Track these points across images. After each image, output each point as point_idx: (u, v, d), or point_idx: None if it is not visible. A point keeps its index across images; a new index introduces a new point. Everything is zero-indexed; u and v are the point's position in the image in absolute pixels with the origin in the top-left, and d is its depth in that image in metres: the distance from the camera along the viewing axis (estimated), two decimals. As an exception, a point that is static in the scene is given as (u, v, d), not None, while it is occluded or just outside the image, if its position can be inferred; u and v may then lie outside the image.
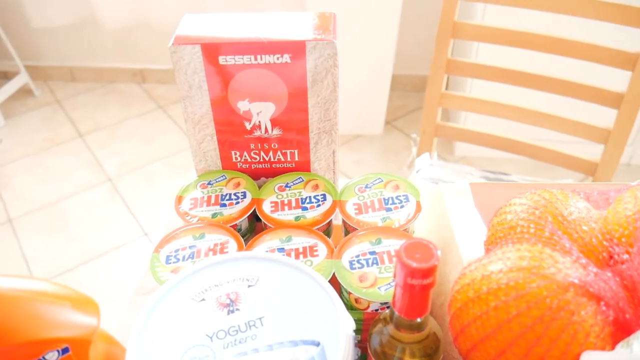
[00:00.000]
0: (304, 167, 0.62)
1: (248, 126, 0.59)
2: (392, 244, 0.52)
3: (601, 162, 1.15)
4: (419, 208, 0.57)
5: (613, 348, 0.36)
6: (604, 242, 0.42)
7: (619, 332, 0.37)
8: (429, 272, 0.37)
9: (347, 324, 0.41)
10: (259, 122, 0.58)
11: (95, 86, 2.45)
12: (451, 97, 1.24)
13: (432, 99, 1.25)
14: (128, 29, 2.23)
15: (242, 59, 0.54)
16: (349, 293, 0.50)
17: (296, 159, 0.61)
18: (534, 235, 0.42)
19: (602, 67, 1.06)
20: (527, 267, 0.37)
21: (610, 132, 1.11)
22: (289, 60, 0.54)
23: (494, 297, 0.37)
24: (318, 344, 0.39)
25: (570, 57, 1.08)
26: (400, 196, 0.58)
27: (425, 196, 0.60)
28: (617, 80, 1.09)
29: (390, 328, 0.42)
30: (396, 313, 0.41)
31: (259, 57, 0.54)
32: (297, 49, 0.53)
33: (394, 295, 0.40)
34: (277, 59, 0.54)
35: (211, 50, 0.54)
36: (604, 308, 0.36)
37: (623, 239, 0.43)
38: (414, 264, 0.37)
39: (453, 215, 0.56)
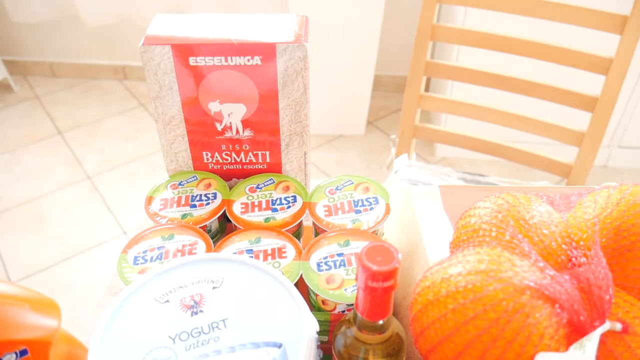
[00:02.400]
0: (275, 168, 0.62)
1: (219, 127, 0.59)
2: (360, 246, 0.53)
3: (575, 165, 1.17)
4: (387, 210, 0.57)
5: (567, 349, 0.37)
6: (563, 246, 0.43)
7: (574, 333, 0.38)
8: (390, 275, 0.37)
9: (310, 325, 0.41)
10: (230, 123, 0.59)
11: (76, 82, 2.42)
12: (429, 99, 1.25)
13: (410, 100, 1.26)
14: (110, 25, 2.21)
15: (213, 60, 0.54)
16: (316, 295, 0.50)
17: (267, 160, 0.62)
18: (495, 238, 0.43)
19: (577, 70, 1.08)
20: (485, 270, 0.38)
21: (584, 135, 1.13)
22: (259, 62, 0.54)
23: (452, 300, 0.37)
24: (280, 346, 0.39)
25: (546, 60, 1.10)
26: (369, 198, 0.59)
27: (395, 198, 0.61)
28: (591, 84, 1.11)
29: (354, 330, 0.43)
30: (359, 315, 0.41)
31: (229, 58, 0.54)
32: (267, 51, 0.53)
33: (357, 298, 0.41)
34: (248, 60, 0.54)
35: (181, 51, 0.54)
36: (558, 310, 0.37)
37: (582, 242, 0.44)
38: (375, 267, 0.37)
39: (421, 217, 0.56)
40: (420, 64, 1.21)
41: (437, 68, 1.21)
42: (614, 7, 1.03)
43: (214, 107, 0.57)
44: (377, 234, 0.57)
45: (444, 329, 0.37)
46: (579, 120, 1.14)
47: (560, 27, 1.08)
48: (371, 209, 0.57)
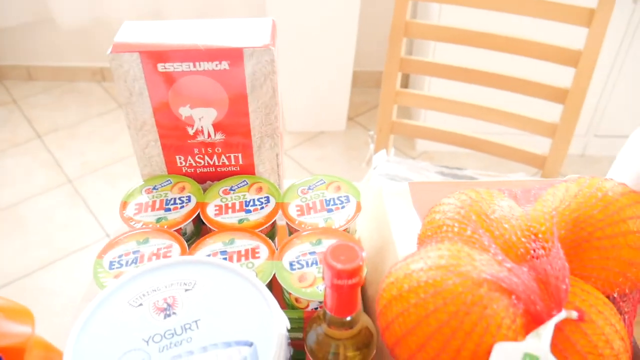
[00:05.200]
0: (248, 170, 0.63)
1: (191, 131, 0.60)
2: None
3: (549, 156, 1.19)
4: (358, 208, 0.59)
5: (525, 338, 0.39)
6: (523, 239, 0.45)
7: (531, 323, 0.40)
8: (354, 272, 0.39)
9: (280, 323, 0.42)
10: (202, 127, 0.59)
11: (54, 85, 2.40)
12: (406, 95, 1.27)
13: (387, 96, 1.27)
14: (86, 27, 2.19)
15: (181, 66, 0.55)
16: (289, 293, 0.51)
17: (240, 162, 0.63)
18: (457, 234, 0.45)
19: (549, 64, 1.10)
20: (445, 265, 0.39)
21: (557, 126, 1.16)
22: (227, 67, 0.55)
23: (414, 295, 0.39)
24: (251, 344, 0.40)
25: (518, 54, 1.12)
26: (341, 197, 0.60)
27: (367, 196, 0.62)
28: (564, 75, 1.13)
29: (324, 326, 0.44)
30: (328, 312, 0.43)
31: (198, 64, 0.55)
32: (235, 56, 0.54)
33: (325, 295, 0.42)
34: (216, 65, 0.55)
35: (150, 58, 0.54)
36: (515, 301, 0.39)
37: (540, 235, 0.46)
38: (339, 266, 0.38)
39: (391, 214, 0.58)
40: (395, 61, 1.22)
41: (411, 64, 1.22)
42: (581, 0, 1.06)
43: (184, 111, 0.58)
44: (349, 231, 0.59)
45: (407, 322, 0.39)
46: (554, 111, 1.17)
47: (532, 21, 1.10)
48: (342, 207, 0.59)
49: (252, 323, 0.42)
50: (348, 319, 0.43)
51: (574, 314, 0.40)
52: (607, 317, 0.42)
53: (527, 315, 0.40)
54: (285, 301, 0.54)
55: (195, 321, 0.42)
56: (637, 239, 0.45)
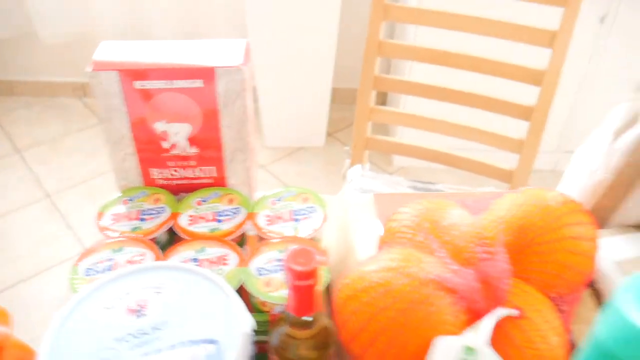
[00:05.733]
0: (221, 182, 0.67)
1: (166, 145, 0.63)
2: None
3: (516, 170, 1.24)
4: (325, 218, 0.62)
5: (468, 334, 0.43)
6: (470, 244, 0.49)
7: (473, 320, 0.43)
8: (310, 274, 0.42)
9: (244, 323, 0.45)
10: (177, 141, 0.63)
11: (35, 101, 2.41)
12: (380, 112, 1.31)
13: (361, 113, 1.32)
14: (69, 43, 2.21)
15: (158, 83, 0.58)
16: (256, 297, 0.55)
17: (214, 175, 0.66)
18: (410, 240, 0.48)
19: (516, 82, 1.16)
20: (395, 267, 0.43)
21: (523, 142, 1.21)
22: (201, 85, 0.59)
23: (365, 294, 0.42)
24: (216, 342, 0.43)
25: (487, 74, 1.17)
26: (308, 207, 0.63)
27: (334, 207, 0.66)
28: (530, 94, 1.19)
29: (286, 327, 0.47)
30: (289, 313, 0.46)
31: (173, 81, 0.58)
32: (207, 74, 0.58)
33: (287, 298, 0.45)
34: (191, 83, 0.58)
35: (128, 76, 0.58)
36: (458, 300, 0.42)
37: (487, 241, 0.50)
38: (297, 268, 0.42)
39: (355, 224, 0.62)
40: (369, 79, 1.27)
41: (385, 82, 1.27)
42: (545, 22, 1.12)
43: (160, 126, 0.61)
44: (315, 240, 0.62)
45: (359, 320, 0.42)
46: (521, 128, 1.21)
47: (501, 42, 1.16)
48: (309, 217, 0.62)
49: (218, 323, 0.45)
50: (307, 319, 0.46)
51: (513, 312, 0.44)
52: (544, 315, 0.46)
53: (470, 312, 0.43)
54: (252, 305, 0.57)
55: (165, 322, 0.45)
56: (573, 244, 0.50)
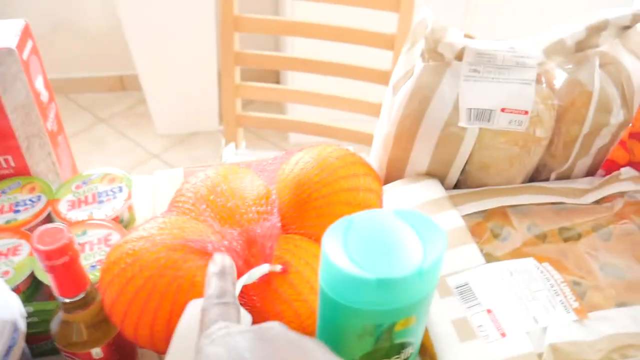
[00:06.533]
0: (24, 171, 0.64)
1: (-49, 137, 0.59)
2: (97, 234, 0.56)
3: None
4: (129, 197, 0.61)
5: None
6: (243, 208, 0.49)
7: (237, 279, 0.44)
8: (60, 252, 0.41)
9: (10, 311, 0.44)
10: (-39, 132, 0.59)
11: None
12: (246, 88, 1.30)
13: (227, 91, 1.30)
14: None
15: None
16: (47, 286, 0.53)
17: (13, 164, 0.63)
18: (180, 207, 0.48)
19: (372, 49, 1.18)
20: (147, 235, 0.43)
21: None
22: (-26, 69, 0.55)
23: (116, 266, 0.42)
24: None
25: (344, 42, 1.19)
26: (114, 188, 0.62)
27: (143, 184, 0.65)
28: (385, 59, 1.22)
29: (61, 313, 0.46)
30: (59, 297, 0.45)
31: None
32: (-23, 57, 0.55)
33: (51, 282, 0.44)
34: (-40, 69, 0.55)
35: None
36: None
37: (263, 201, 0.51)
38: (42, 247, 0.41)
39: (161, 199, 0.61)
40: (230, 56, 1.25)
41: (247, 58, 1.26)
42: (386, 27, 1.15)
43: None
44: (121, 220, 0.61)
45: (112, 292, 0.42)
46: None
47: (359, 11, 1.17)
48: (114, 198, 0.61)
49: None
50: (77, 298, 0.45)
51: (278, 267, 0.45)
52: (314, 268, 0.47)
53: (231, 273, 0.44)
54: (50, 295, 0.55)
55: None
56: (348, 195, 0.51)
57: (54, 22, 2.05)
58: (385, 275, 0.34)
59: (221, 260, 0.36)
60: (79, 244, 0.55)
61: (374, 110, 1.24)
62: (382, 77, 1.20)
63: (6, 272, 0.52)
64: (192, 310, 0.41)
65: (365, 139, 1.29)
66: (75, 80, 2.26)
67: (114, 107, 2.27)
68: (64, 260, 0.41)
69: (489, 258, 0.53)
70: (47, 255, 0.41)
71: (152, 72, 1.94)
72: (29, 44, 0.59)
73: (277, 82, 2.29)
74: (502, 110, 0.55)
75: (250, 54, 1.26)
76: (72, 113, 2.22)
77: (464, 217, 0.56)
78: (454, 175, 0.60)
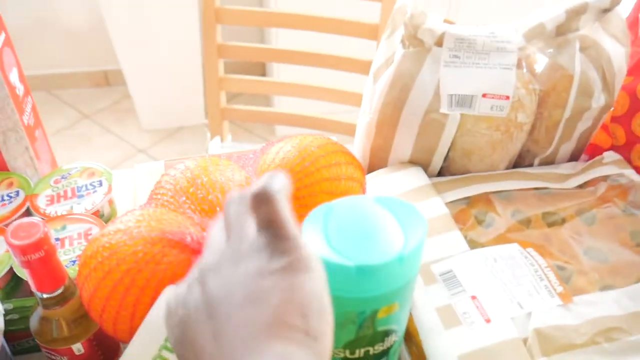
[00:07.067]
0: (1, 166, 0.62)
1: None
2: (76, 229, 0.55)
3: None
4: (109, 191, 0.60)
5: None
6: (223, 200, 0.48)
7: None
8: (35, 246, 0.40)
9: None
10: None
11: None
12: (230, 81, 1.29)
13: (211, 84, 1.29)
14: None
15: None
16: (26, 282, 0.52)
17: (-10, 160, 0.62)
18: (159, 200, 0.47)
19: (356, 40, 1.17)
20: (124, 229, 0.42)
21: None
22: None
23: (93, 259, 0.41)
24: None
25: (329, 32, 1.18)
26: (94, 182, 0.61)
27: (123, 178, 0.64)
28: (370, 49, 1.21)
29: (40, 309, 0.45)
30: (37, 293, 0.44)
31: None
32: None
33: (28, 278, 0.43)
34: None
35: None
36: (192, 254, 0.42)
37: (244, 192, 0.50)
38: (18, 242, 0.40)
39: (142, 192, 0.60)
40: (212, 48, 1.24)
41: (229, 50, 1.25)
42: (369, 17, 1.14)
43: None
44: (102, 214, 0.60)
45: (90, 286, 0.41)
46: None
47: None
48: (94, 192, 0.60)
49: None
50: (55, 293, 0.44)
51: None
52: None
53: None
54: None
55: None
56: (330, 185, 0.51)
57: (37, 17, 2.02)
58: (365, 262, 0.34)
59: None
60: (59, 239, 0.54)
61: (360, 101, 1.23)
62: (367, 68, 1.19)
63: (-17, 269, 0.51)
64: (164, 295, 0.40)
65: (352, 130, 1.27)
66: (59, 75, 2.23)
67: (98, 103, 2.24)
68: (39, 255, 0.41)
69: (473, 244, 0.53)
70: (22, 250, 0.40)
71: (136, 67, 1.91)
72: (2, 36, 0.58)
73: (264, 74, 2.27)
74: (484, 95, 0.54)
75: (233, 46, 1.24)
76: (57, 109, 2.19)
77: (448, 204, 0.56)
78: (437, 162, 0.59)
